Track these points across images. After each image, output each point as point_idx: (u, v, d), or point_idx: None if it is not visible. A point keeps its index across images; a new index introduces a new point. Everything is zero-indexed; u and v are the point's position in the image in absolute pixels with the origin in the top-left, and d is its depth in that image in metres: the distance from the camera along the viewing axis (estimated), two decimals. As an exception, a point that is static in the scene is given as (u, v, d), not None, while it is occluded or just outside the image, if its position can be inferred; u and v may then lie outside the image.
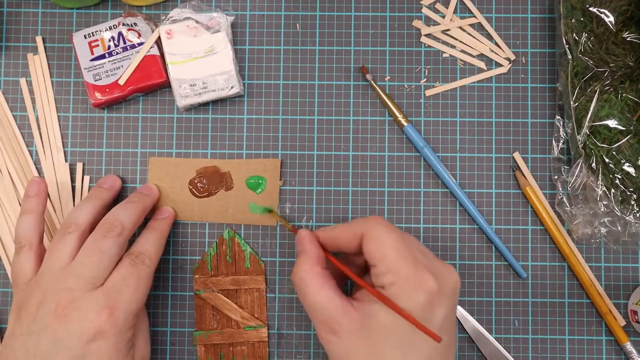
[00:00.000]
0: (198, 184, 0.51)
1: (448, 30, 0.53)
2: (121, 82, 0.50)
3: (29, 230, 0.46)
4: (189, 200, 0.52)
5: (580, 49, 0.49)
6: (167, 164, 0.52)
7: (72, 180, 0.52)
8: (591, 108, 0.48)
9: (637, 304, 0.49)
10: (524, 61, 0.53)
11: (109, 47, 0.51)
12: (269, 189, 0.51)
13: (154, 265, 0.46)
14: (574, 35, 0.49)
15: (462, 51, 0.53)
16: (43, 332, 0.41)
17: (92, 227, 0.46)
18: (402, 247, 0.41)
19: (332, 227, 0.45)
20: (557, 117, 0.51)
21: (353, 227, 0.43)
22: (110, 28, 0.51)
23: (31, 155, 0.52)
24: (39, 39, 0.53)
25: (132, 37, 0.51)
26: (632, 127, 0.48)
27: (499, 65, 0.53)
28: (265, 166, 0.52)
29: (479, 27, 0.53)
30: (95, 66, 0.51)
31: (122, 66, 0.51)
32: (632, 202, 0.48)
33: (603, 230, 0.49)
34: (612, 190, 0.48)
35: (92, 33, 0.51)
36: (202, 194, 0.52)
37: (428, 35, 0.53)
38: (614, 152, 0.48)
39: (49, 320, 0.41)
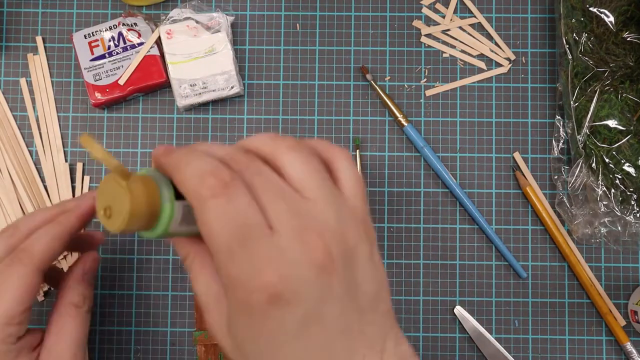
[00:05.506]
0: None
1: (448, 30, 0.53)
2: (121, 82, 0.50)
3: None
4: None
5: (580, 49, 0.48)
6: None
7: (72, 180, 0.52)
8: (591, 108, 0.48)
9: (637, 304, 0.49)
10: (524, 61, 0.53)
11: (109, 47, 0.51)
12: None
13: (36, 266, 0.37)
14: (574, 35, 0.49)
15: (462, 51, 0.53)
16: None
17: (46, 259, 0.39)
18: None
19: None
20: (557, 117, 0.51)
21: None
22: (110, 28, 0.51)
23: (31, 155, 0.52)
24: (39, 39, 0.53)
25: (132, 37, 0.51)
26: (632, 127, 0.48)
27: (499, 65, 0.53)
28: None
29: (479, 27, 0.53)
30: (95, 66, 0.51)
31: (122, 66, 0.51)
32: (632, 202, 0.48)
33: (603, 230, 0.49)
34: (612, 190, 0.48)
35: (92, 33, 0.51)
36: None
37: (428, 35, 0.53)
38: (614, 152, 0.48)
39: None
